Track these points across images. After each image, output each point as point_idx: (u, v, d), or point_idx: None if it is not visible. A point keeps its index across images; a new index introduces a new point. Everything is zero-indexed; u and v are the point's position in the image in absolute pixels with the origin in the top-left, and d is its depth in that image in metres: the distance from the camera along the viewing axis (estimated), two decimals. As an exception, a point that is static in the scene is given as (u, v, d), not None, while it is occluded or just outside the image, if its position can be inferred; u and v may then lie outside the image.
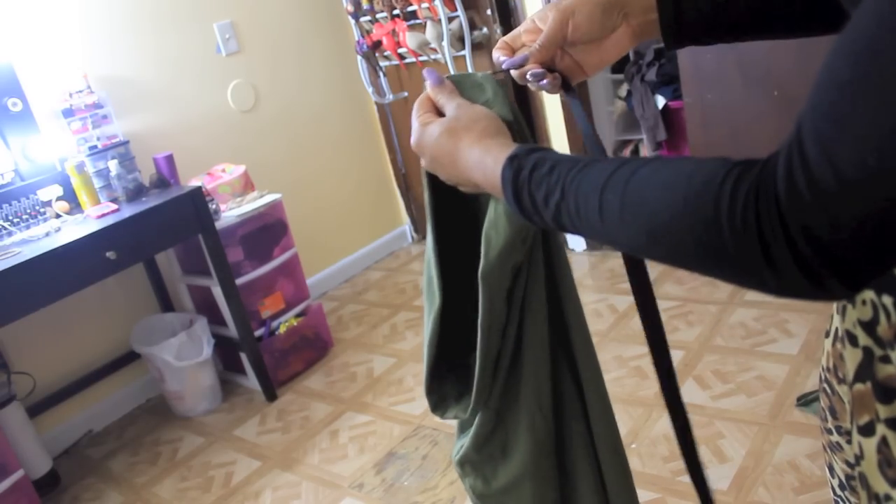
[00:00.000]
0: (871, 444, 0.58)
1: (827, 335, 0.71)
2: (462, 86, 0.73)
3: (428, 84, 0.72)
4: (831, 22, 0.63)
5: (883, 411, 0.56)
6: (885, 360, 0.56)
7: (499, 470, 0.81)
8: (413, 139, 0.70)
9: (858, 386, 0.60)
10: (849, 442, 0.67)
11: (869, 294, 0.57)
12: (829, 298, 0.44)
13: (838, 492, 0.75)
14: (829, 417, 0.72)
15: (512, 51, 0.73)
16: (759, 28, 0.68)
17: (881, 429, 0.57)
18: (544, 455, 0.78)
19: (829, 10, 0.62)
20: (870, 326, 0.58)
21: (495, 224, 0.70)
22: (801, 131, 0.41)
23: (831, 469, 0.76)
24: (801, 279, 0.42)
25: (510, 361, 0.76)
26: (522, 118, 0.72)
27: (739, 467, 1.82)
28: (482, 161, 0.63)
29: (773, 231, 0.41)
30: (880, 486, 0.58)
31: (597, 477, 0.81)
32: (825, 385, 0.72)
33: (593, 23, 0.69)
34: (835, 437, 0.72)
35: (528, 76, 0.71)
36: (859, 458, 0.60)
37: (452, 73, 3.22)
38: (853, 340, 0.61)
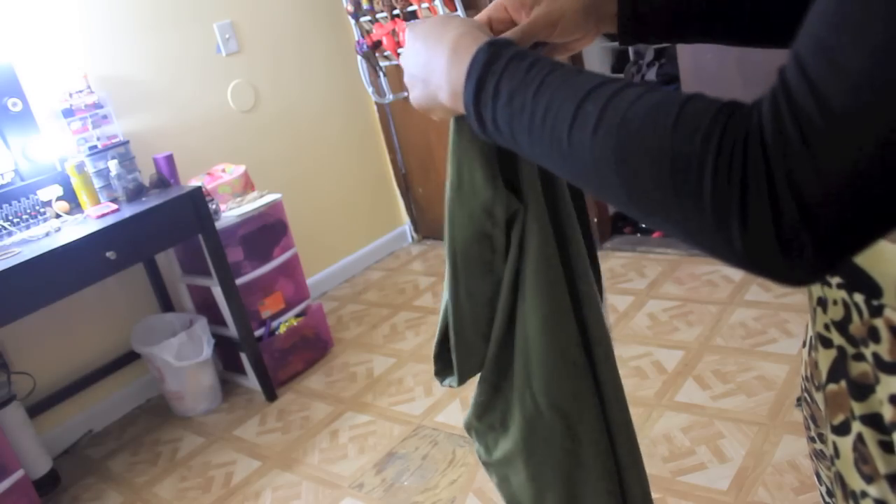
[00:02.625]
0: (846, 443, 0.58)
1: (804, 345, 0.71)
2: None
3: None
4: (784, 35, 0.65)
5: (858, 408, 0.56)
6: (859, 357, 0.56)
7: (499, 441, 0.80)
8: (411, 26, 0.67)
9: (832, 386, 0.60)
10: None
11: (840, 293, 0.57)
12: (793, 273, 0.40)
13: (827, 499, 0.76)
14: (812, 426, 0.73)
15: None
16: (708, 34, 0.70)
17: (856, 426, 0.57)
18: (535, 434, 0.76)
19: (781, 22, 0.64)
20: (842, 326, 0.58)
21: (458, 187, 0.69)
22: (786, 73, 0.39)
23: (818, 476, 0.76)
24: (773, 240, 0.39)
25: (504, 336, 0.75)
26: None
27: (739, 467, 1.82)
28: (458, 40, 0.58)
29: (756, 178, 0.39)
30: (856, 483, 0.58)
31: (607, 462, 0.79)
32: (805, 394, 0.73)
33: (577, 30, 0.70)
34: (818, 445, 0.73)
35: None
36: (834, 457, 0.60)
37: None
38: (826, 342, 0.61)
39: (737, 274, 2.74)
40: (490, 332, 0.75)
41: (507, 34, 0.68)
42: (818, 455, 0.74)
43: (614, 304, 2.77)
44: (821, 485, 0.76)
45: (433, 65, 0.60)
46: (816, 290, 0.62)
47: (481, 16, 0.72)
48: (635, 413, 2.12)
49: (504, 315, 0.74)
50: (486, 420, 0.80)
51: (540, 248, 0.73)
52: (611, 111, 0.45)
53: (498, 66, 0.53)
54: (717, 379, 2.18)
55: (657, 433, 2.02)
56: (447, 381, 0.80)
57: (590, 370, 0.77)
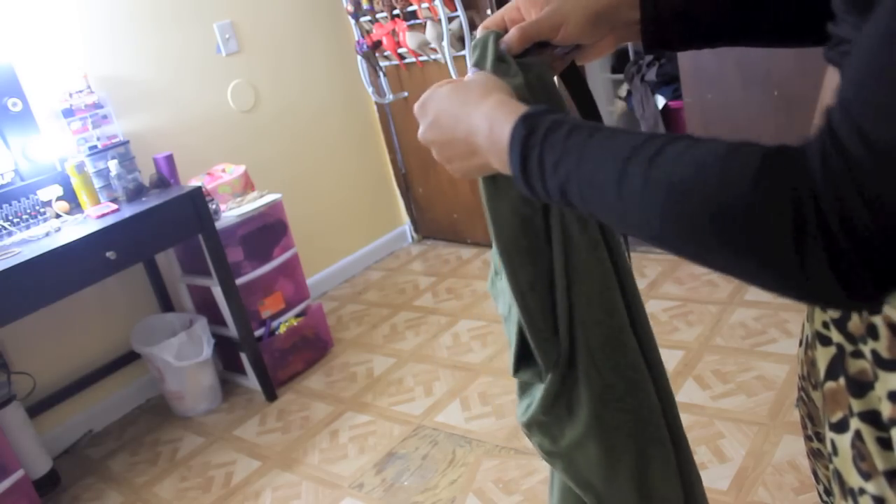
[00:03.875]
0: (844, 440, 0.59)
1: (801, 343, 0.71)
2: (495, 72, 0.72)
3: (469, 74, 0.72)
4: (806, 34, 0.66)
5: (857, 405, 0.57)
6: (857, 354, 0.57)
7: (566, 429, 0.81)
8: (419, 101, 0.67)
9: (830, 384, 0.60)
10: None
11: None
12: (852, 300, 0.42)
13: (825, 497, 0.76)
14: (809, 424, 0.73)
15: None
16: (733, 38, 0.71)
17: (855, 423, 0.57)
18: (604, 407, 0.79)
19: (806, 22, 0.64)
20: (841, 323, 0.58)
21: (495, 180, 0.70)
22: (832, 116, 0.41)
23: (816, 475, 0.76)
24: (833, 280, 0.40)
25: (570, 322, 0.77)
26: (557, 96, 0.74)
27: (739, 467, 1.82)
28: (491, 117, 0.59)
29: (810, 224, 0.40)
30: (854, 480, 0.58)
31: (664, 430, 0.82)
32: (802, 393, 0.73)
33: (583, 34, 0.70)
34: (815, 444, 0.73)
35: (556, 51, 0.72)
36: (832, 455, 0.61)
37: (452, 72, 3.20)
38: (824, 340, 0.61)
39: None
40: (555, 320, 0.77)
41: (513, 31, 0.69)
42: (815, 454, 0.74)
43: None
44: (818, 484, 0.77)
45: (473, 143, 0.62)
46: None
47: (496, 16, 0.73)
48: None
49: (564, 298, 0.75)
50: (553, 412, 0.82)
51: (582, 226, 0.75)
52: (655, 172, 0.47)
53: (536, 138, 0.55)
54: (717, 379, 2.18)
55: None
56: (522, 376, 0.82)
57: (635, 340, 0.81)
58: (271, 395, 2.70)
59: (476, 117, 0.61)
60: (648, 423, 0.81)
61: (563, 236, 0.74)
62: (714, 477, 1.81)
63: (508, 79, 0.68)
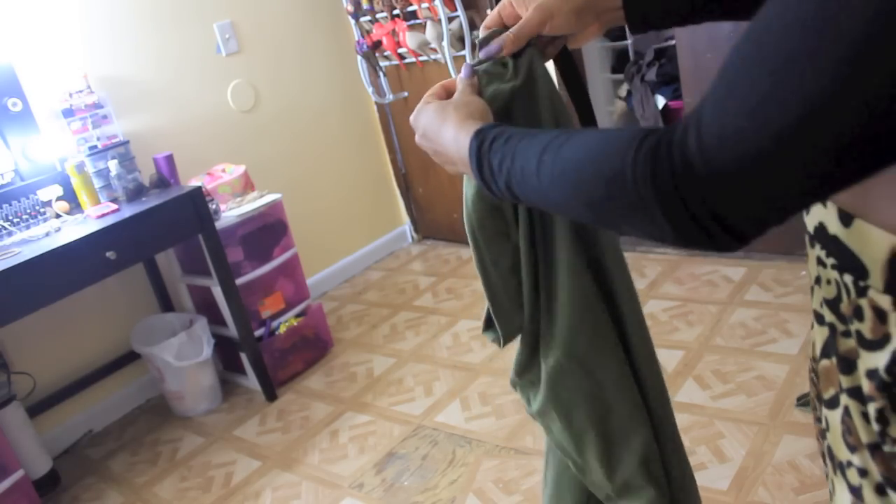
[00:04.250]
0: (835, 416, 0.62)
1: (812, 326, 0.73)
2: (491, 75, 0.78)
3: (461, 73, 0.79)
4: None
5: (845, 382, 0.60)
6: (847, 334, 0.59)
7: (536, 395, 0.89)
8: (413, 113, 0.77)
9: (824, 362, 0.63)
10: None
11: (833, 273, 0.60)
12: (722, 249, 0.49)
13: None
14: (818, 406, 0.75)
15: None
16: (716, 13, 0.75)
17: (844, 399, 0.60)
18: (559, 385, 0.85)
19: None
20: (834, 304, 0.61)
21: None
22: (703, 99, 0.47)
23: (824, 457, 0.78)
24: (695, 231, 0.48)
25: (533, 302, 0.84)
26: (555, 93, 0.79)
27: (739, 467, 1.82)
28: (457, 136, 0.70)
29: (666, 188, 0.47)
30: (843, 454, 0.61)
31: (635, 405, 0.85)
32: (812, 374, 0.75)
33: (570, 25, 0.76)
34: (822, 426, 0.74)
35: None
36: (825, 431, 0.64)
37: (452, 73, 3.21)
38: (820, 319, 0.64)
39: (737, 274, 2.74)
40: (521, 300, 0.85)
41: (507, 39, 0.77)
42: (823, 435, 0.75)
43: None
44: (826, 466, 0.78)
45: (451, 155, 0.73)
46: (815, 269, 0.65)
47: (493, 15, 0.80)
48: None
49: (529, 280, 0.83)
50: (525, 377, 0.90)
51: (563, 225, 0.80)
52: (561, 154, 0.57)
53: (485, 148, 0.66)
54: (717, 379, 2.18)
55: (657, 433, 2.02)
56: (490, 338, 0.89)
57: (613, 322, 0.84)
58: (271, 395, 2.70)
59: (449, 138, 0.71)
60: (615, 412, 0.85)
61: (528, 226, 0.81)
62: (714, 477, 1.81)
63: (501, 84, 0.76)
